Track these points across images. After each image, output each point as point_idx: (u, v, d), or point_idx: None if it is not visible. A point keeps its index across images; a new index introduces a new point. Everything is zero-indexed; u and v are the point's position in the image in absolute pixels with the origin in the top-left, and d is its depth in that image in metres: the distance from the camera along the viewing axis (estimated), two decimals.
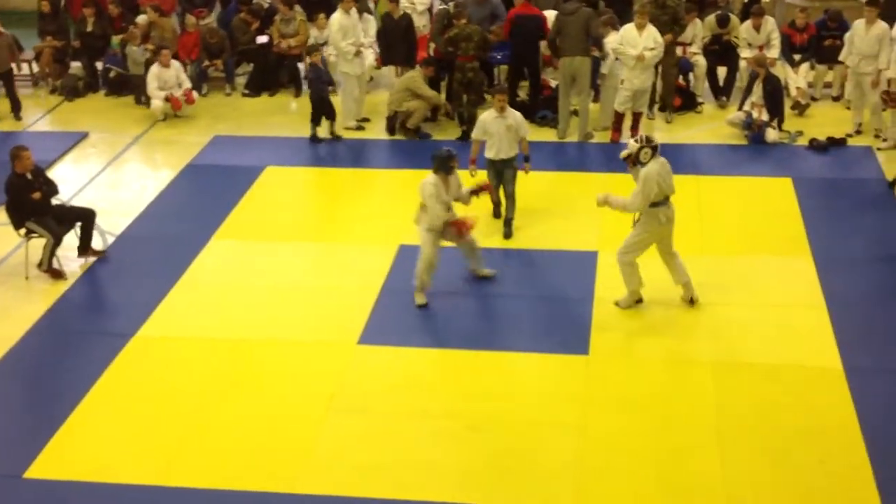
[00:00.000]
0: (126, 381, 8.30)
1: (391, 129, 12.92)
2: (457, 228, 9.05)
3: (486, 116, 10.24)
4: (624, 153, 8.52)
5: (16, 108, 13.95)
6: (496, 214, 10.75)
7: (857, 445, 7.17)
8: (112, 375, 8.35)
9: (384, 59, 13.81)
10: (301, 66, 14.70)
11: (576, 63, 12.24)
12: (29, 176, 9.65)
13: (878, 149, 11.82)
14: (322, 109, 12.69)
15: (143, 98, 13.98)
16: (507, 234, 10.41)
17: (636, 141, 8.46)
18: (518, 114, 10.41)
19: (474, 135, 10.38)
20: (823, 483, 6.86)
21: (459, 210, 9.27)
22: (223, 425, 7.72)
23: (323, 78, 12.75)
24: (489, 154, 10.27)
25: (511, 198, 10.40)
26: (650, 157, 8.35)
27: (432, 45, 13.47)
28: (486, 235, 10.40)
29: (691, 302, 8.92)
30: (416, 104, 12.63)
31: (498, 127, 10.14)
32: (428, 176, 8.96)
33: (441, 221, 8.95)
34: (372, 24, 13.85)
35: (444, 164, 8.93)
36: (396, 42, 13.29)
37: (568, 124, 12.71)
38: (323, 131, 12.83)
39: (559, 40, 12.31)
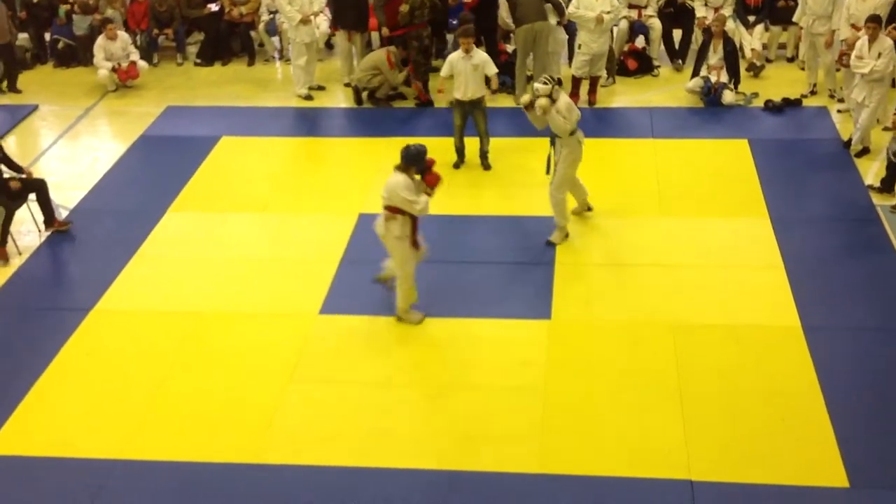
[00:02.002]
0: (85, 355, 8.19)
1: (358, 101, 12.80)
2: (429, 181, 8.18)
3: (453, 56, 10.70)
4: (542, 103, 8.84)
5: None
6: (457, 165, 10.88)
7: (817, 403, 7.28)
8: (70, 350, 8.23)
9: (335, 24, 13.60)
10: (253, 34, 14.51)
11: (536, 28, 12.21)
12: None
13: (839, 111, 11.92)
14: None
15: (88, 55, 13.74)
16: (486, 167, 10.98)
17: (545, 82, 8.90)
18: (484, 54, 10.89)
19: (442, 73, 10.91)
20: (785, 441, 6.95)
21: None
22: (185, 398, 7.65)
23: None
24: (457, 94, 10.69)
25: (485, 134, 10.91)
26: (559, 91, 8.98)
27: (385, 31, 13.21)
28: (449, 197, 10.38)
29: (589, 209, 9.71)
30: (382, 78, 12.53)
31: (464, 66, 10.54)
32: (394, 176, 8.05)
33: (425, 209, 8.06)
34: None
35: (418, 160, 8.11)
36: (346, 6, 13.11)
37: (525, 90, 12.66)
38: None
39: (517, 9, 12.26)
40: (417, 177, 8.18)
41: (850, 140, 11.02)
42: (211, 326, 8.50)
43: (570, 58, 13.18)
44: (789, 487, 6.56)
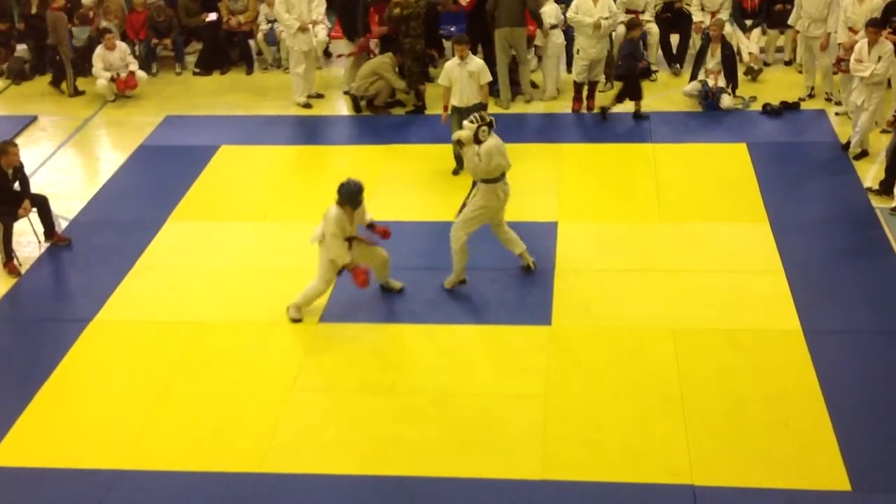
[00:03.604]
0: (86, 366, 8.20)
1: (357, 108, 12.82)
2: (354, 275, 8.33)
3: (450, 64, 10.68)
4: (461, 134, 8.55)
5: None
6: (456, 172, 10.93)
7: (818, 407, 7.28)
8: (71, 361, 8.23)
9: (345, 35, 13.57)
10: (252, 42, 14.54)
11: (514, 33, 12.33)
12: (10, 172, 9.45)
13: (836, 113, 11.93)
14: (630, 86, 12.08)
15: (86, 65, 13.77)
16: None
17: (473, 121, 8.55)
18: (480, 60, 10.81)
19: (440, 81, 10.85)
20: (787, 445, 6.95)
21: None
22: (186, 408, 7.65)
23: (636, 55, 12.14)
24: (454, 101, 10.66)
25: None
26: (488, 133, 8.50)
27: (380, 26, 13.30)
28: (448, 205, 10.37)
29: (529, 269, 9.03)
30: (381, 84, 12.55)
31: (460, 73, 10.54)
32: (332, 209, 8.29)
33: (343, 261, 8.33)
34: (322, 0, 13.68)
35: (352, 199, 8.31)
36: (354, 16, 13.17)
37: (510, 94, 12.75)
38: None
39: (496, 12, 12.34)
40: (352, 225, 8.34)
41: (848, 143, 11.03)
42: (211, 335, 8.50)
43: (569, 63, 13.23)
44: (791, 491, 6.56)
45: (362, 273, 8.33)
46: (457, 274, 8.95)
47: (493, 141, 8.55)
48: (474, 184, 8.82)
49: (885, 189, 10.04)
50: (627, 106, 12.58)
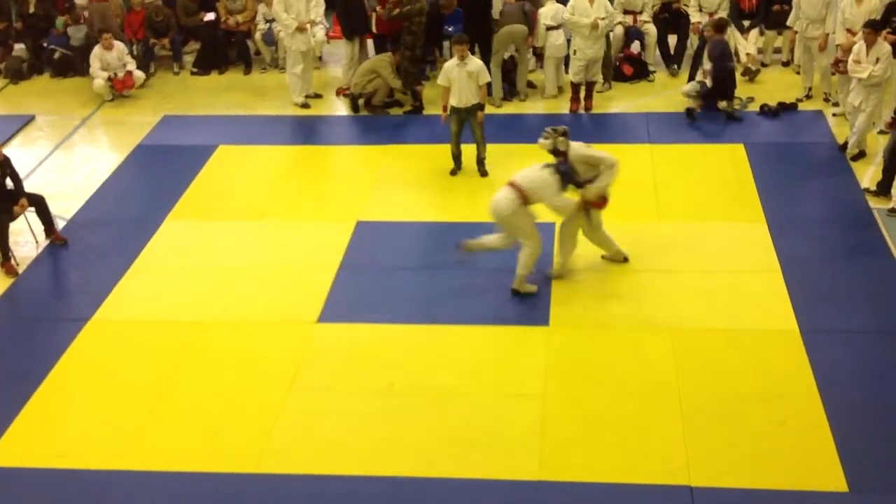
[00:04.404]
0: (83, 366, 8.19)
1: (355, 108, 12.83)
2: (596, 206, 8.73)
3: (449, 64, 10.69)
4: (547, 148, 8.63)
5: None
6: (454, 172, 10.90)
7: (815, 407, 7.29)
8: (69, 361, 8.23)
9: (345, 33, 13.56)
10: (250, 42, 14.54)
11: (515, 31, 12.38)
12: None
13: (834, 114, 11.95)
14: (722, 87, 11.95)
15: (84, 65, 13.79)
16: (483, 173, 10.93)
17: (547, 136, 8.62)
18: (479, 61, 10.81)
19: (439, 81, 10.84)
20: (784, 446, 6.96)
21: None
22: (184, 407, 7.65)
23: (726, 54, 11.92)
24: (452, 101, 10.67)
25: (481, 141, 10.85)
26: (566, 143, 8.60)
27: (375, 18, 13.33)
28: (446, 205, 10.41)
29: (625, 260, 9.18)
30: (379, 82, 12.55)
31: (459, 74, 10.54)
32: (538, 172, 8.49)
33: (573, 207, 8.62)
34: (320, 0, 13.67)
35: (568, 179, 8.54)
36: (354, 14, 13.18)
37: (502, 93, 12.77)
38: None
39: (500, 17, 12.45)
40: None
41: (846, 144, 11.04)
42: (209, 335, 8.49)
43: (566, 63, 13.24)
44: (789, 492, 6.57)
45: (601, 202, 8.65)
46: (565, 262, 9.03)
47: (576, 145, 8.62)
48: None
49: (882, 190, 10.05)
50: (620, 106, 12.61)
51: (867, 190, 10.20)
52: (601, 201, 8.78)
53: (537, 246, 8.61)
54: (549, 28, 12.58)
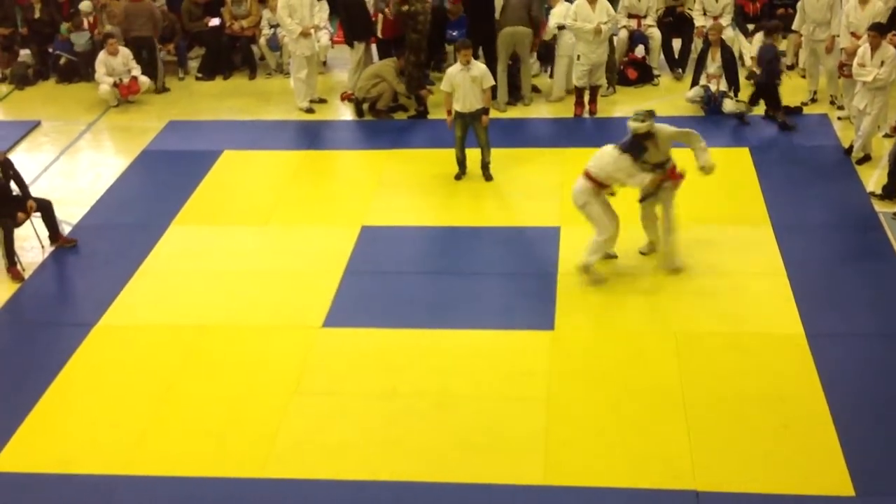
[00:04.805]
0: (89, 371, 8.20)
1: (359, 113, 12.84)
2: (672, 176, 8.86)
3: (452, 70, 10.69)
4: (641, 130, 8.58)
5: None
6: (458, 176, 10.92)
7: (821, 410, 7.27)
8: (74, 366, 8.24)
9: (349, 38, 13.58)
10: (254, 47, 14.57)
11: (518, 33, 12.35)
12: None
13: (839, 118, 11.92)
14: (766, 93, 11.85)
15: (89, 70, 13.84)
16: (488, 178, 10.94)
17: (643, 119, 8.59)
18: (482, 65, 10.84)
19: (442, 87, 10.86)
20: (789, 450, 6.94)
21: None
22: (189, 412, 7.65)
23: (775, 63, 11.63)
24: (457, 107, 10.67)
25: (486, 145, 10.86)
26: (653, 124, 8.67)
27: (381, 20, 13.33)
28: (451, 209, 10.40)
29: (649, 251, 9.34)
30: (383, 86, 12.57)
31: (463, 79, 10.54)
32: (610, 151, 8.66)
33: (648, 181, 8.72)
34: (324, 5, 13.71)
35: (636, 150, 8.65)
36: (358, 18, 13.21)
37: (507, 97, 12.77)
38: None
39: (502, 12, 12.40)
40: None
41: (851, 147, 11.02)
42: (214, 340, 8.50)
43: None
44: (794, 496, 6.54)
45: (678, 175, 8.79)
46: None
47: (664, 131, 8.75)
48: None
49: (888, 193, 10.03)
50: (625, 110, 12.59)
51: (873, 194, 10.18)
52: (679, 176, 8.89)
53: (610, 234, 8.80)
54: (561, 27, 12.56)
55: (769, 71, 11.78)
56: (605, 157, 8.65)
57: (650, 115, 8.69)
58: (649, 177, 8.70)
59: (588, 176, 8.69)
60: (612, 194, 8.85)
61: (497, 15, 12.63)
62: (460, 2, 13.09)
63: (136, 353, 8.38)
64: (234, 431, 7.41)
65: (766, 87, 11.89)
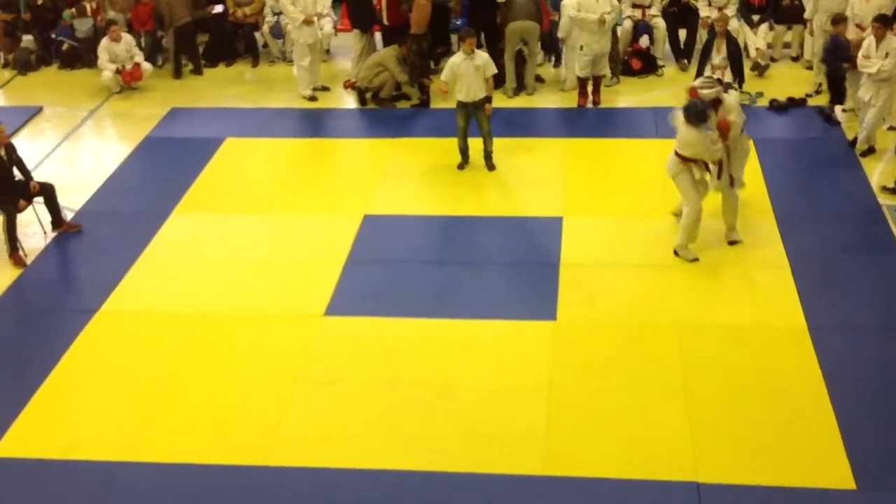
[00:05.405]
0: (91, 357, 8.20)
1: (362, 101, 12.82)
2: (722, 127, 8.99)
3: (455, 59, 10.64)
4: (710, 97, 8.93)
5: None
6: (461, 166, 10.93)
7: (823, 403, 7.26)
8: (76, 352, 8.24)
9: (354, 26, 13.54)
10: (257, 35, 14.53)
11: (527, 27, 12.36)
12: (2, 152, 9.43)
13: (843, 110, 11.88)
14: (836, 87, 11.79)
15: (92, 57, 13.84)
16: (490, 167, 10.91)
17: (712, 84, 9.05)
18: (485, 54, 10.83)
19: (443, 77, 10.86)
20: (791, 442, 6.94)
21: None
22: (191, 400, 7.66)
23: (840, 54, 11.39)
24: (460, 96, 10.65)
25: (488, 135, 10.83)
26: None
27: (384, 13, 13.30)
28: (454, 199, 10.39)
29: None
30: (386, 75, 12.54)
31: (466, 69, 10.52)
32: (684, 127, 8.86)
33: (718, 152, 8.92)
34: None
35: (698, 117, 8.80)
36: (362, 6, 13.18)
37: (514, 82, 12.76)
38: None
39: (510, 6, 12.41)
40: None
41: (855, 139, 10.99)
42: (216, 328, 8.50)
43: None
44: (795, 489, 6.54)
45: (726, 126, 8.94)
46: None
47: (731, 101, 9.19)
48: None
49: None
50: (629, 100, 12.57)
51: (884, 188, 10.09)
52: (726, 125, 9.01)
53: (695, 208, 8.91)
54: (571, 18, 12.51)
55: (832, 64, 11.68)
56: (681, 132, 8.86)
57: (718, 81, 9.08)
58: (720, 144, 8.88)
59: (678, 155, 8.94)
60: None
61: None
62: (460, 2, 13.10)
63: (138, 340, 8.38)
64: (236, 419, 7.41)
65: (832, 78, 11.86)
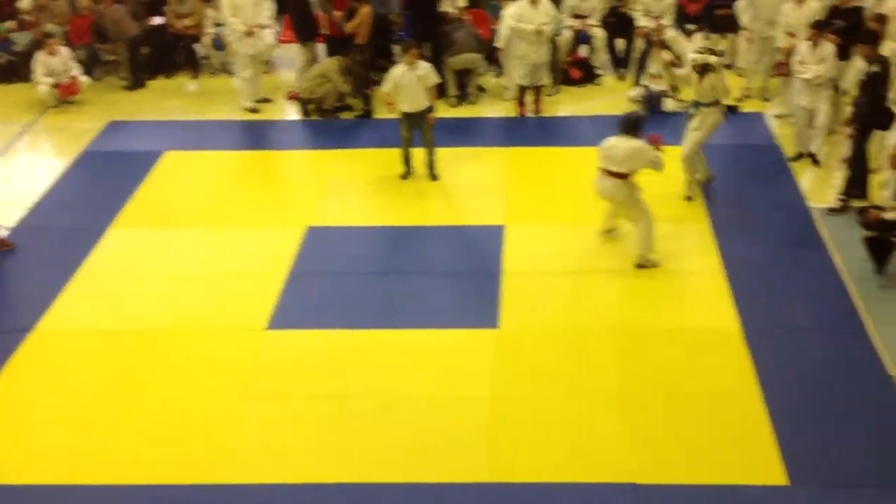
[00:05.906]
0: (26, 378, 8.06)
1: (305, 112, 12.80)
2: (654, 141, 9.19)
3: (397, 70, 10.68)
4: (701, 62, 9.76)
5: None
6: (404, 176, 10.96)
7: (756, 403, 7.42)
8: (11, 372, 8.10)
9: (300, 38, 13.53)
10: (197, 46, 14.44)
11: (469, 59, 12.73)
12: None
13: (775, 116, 12.13)
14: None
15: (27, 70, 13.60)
16: (433, 177, 10.99)
17: (708, 51, 9.98)
18: (426, 64, 10.87)
19: (384, 88, 10.84)
20: (725, 442, 7.08)
21: None
22: (131, 419, 7.56)
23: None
24: (403, 107, 10.67)
25: (431, 144, 10.88)
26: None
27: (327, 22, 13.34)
28: (396, 208, 10.43)
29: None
30: (329, 86, 12.55)
31: (409, 79, 10.57)
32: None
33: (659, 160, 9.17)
34: (269, 4, 13.64)
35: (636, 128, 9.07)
36: (305, 19, 13.19)
37: (456, 90, 12.92)
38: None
39: (449, 47, 12.73)
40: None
41: (799, 155, 11.04)
42: (156, 345, 8.41)
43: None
44: (730, 486, 6.68)
45: (657, 139, 9.20)
46: (703, 172, 10.22)
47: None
48: (696, 106, 9.98)
49: (851, 196, 9.87)
50: (568, 109, 12.73)
51: (832, 210, 9.99)
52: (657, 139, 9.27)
53: (649, 217, 9.07)
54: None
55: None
56: (618, 148, 8.95)
57: (712, 51, 9.90)
58: (660, 157, 9.09)
59: (611, 173, 8.99)
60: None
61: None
62: (402, 16, 13.19)
63: (76, 359, 8.26)
64: (179, 437, 7.34)
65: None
